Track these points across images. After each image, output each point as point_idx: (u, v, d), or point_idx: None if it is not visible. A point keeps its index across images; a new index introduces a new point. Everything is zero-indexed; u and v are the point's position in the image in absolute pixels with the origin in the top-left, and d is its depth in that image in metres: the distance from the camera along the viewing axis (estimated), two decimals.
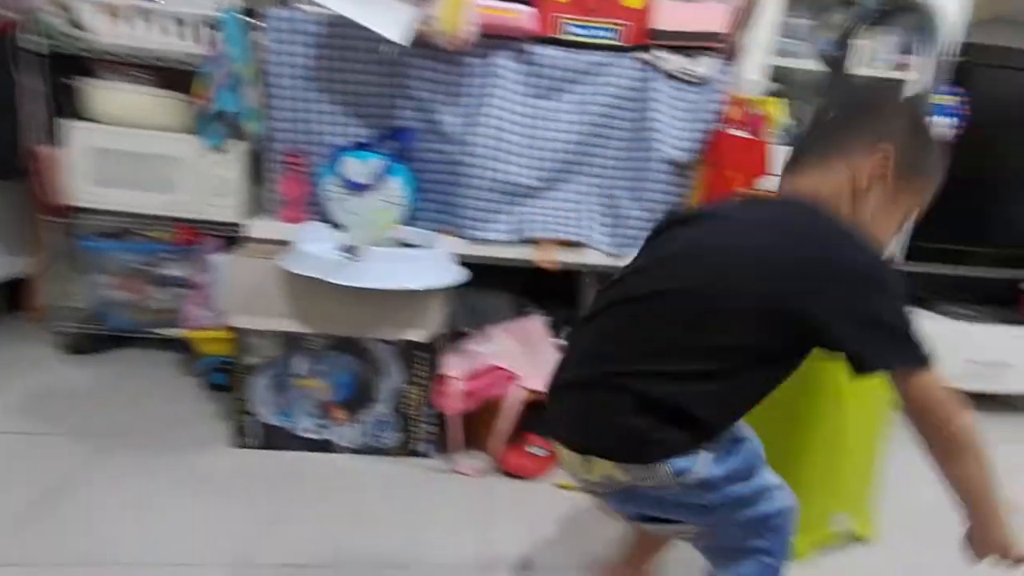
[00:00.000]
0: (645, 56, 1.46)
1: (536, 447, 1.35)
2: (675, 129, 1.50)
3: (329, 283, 1.20)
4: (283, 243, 1.36)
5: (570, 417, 0.78)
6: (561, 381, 0.81)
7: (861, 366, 0.67)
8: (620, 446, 0.72)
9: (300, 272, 1.24)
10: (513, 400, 1.32)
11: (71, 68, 1.59)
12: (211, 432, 1.38)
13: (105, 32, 1.51)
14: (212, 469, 1.26)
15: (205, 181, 1.56)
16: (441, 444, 1.38)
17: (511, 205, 1.51)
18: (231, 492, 1.19)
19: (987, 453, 0.69)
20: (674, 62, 1.46)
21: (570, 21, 1.45)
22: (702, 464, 0.71)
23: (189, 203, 1.58)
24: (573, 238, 1.51)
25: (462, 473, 1.33)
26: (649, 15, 1.45)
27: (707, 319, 0.70)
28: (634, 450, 0.71)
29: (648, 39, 1.46)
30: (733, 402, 0.74)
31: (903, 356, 0.67)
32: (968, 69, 1.64)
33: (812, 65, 1.50)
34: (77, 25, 1.50)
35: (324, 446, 1.37)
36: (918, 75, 1.58)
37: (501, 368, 1.34)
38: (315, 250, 1.28)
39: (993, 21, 1.76)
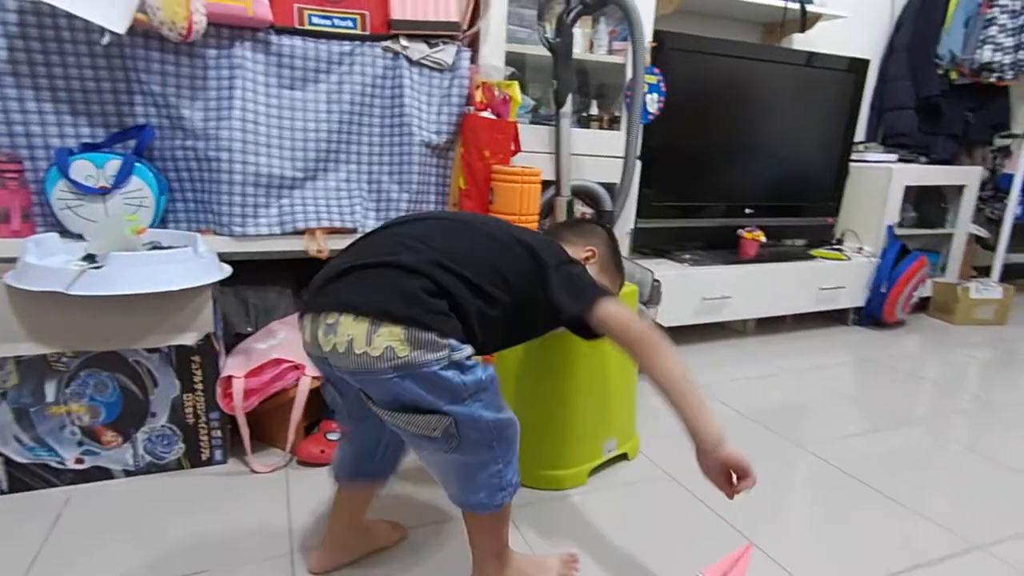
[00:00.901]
0: (390, 44, 1.55)
1: (333, 432, 1.40)
2: (427, 113, 1.61)
3: (70, 296, 1.11)
4: (9, 261, 1.21)
5: (360, 287, 0.82)
6: (344, 266, 0.85)
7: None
8: (412, 311, 0.78)
9: (32, 288, 1.12)
10: (302, 390, 1.35)
11: None
12: None
13: None
14: None
15: None
16: (233, 448, 1.36)
17: (273, 198, 1.51)
18: None
19: (675, 351, 0.87)
20: (417, 50, 1.57)
21: (312, 11, 1.47)
22: (474, 359, 0.83)
23: None
24: (341, 225, 1.56)
25: (258, 472, 1.33)
26: (388, 5, 1.53)
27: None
28: (424, 319, 0.78)
29: (388, 29, 1.54)
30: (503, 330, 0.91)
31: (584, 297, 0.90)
32: (664, 53, 2.00)
33: (542, 50, 1.71)
34: None
35: (96, 475, 1.27)
36: (626, 59, 1.88)
37: (285, 360, 1.36)
38: (48, 263, 1.16)
39: (675, 13, 2.16)
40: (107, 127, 1.41)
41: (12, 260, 1.20)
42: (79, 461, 1.26)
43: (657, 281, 1.79)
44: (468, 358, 0.81)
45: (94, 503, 1.21)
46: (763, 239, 2.35)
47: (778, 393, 1.88)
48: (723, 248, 2.38)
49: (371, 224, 1.61)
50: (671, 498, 1.31)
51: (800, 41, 2.55)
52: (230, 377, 1.32)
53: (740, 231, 2.36)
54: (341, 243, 1.55)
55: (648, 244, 2.25)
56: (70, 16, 1.26)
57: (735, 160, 2.35)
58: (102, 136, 1.41)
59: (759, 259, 2.34)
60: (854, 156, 2.64)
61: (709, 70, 2.20)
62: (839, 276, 2.47)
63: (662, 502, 1.30)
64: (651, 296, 1.79)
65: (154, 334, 1.24)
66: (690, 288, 2.12)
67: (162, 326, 1.24)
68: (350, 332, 0.79)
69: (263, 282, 1.60)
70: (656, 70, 1.92)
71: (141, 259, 1.18)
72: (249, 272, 1.51)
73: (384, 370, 0.78)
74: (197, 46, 1.39)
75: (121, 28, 1.24)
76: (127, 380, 1.26)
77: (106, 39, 1.25)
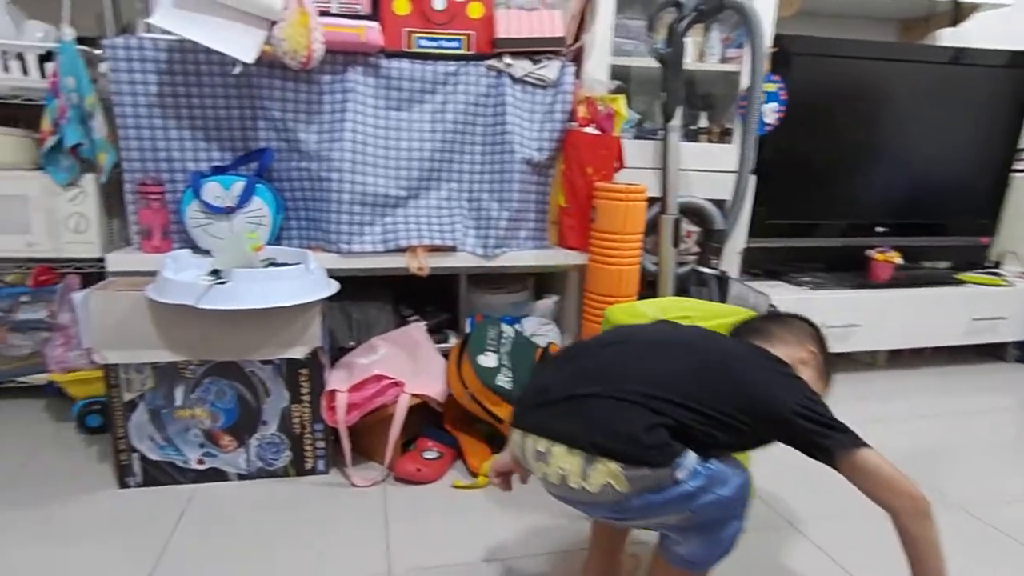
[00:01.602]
0: (494, 63, 1.54)
1: (430, 451, 1.41)
2: (529, 130, 1.59)
3: (199, 309, 1.20)
4: (149, 274, 1.34)
5: (574, 418, 0.80)
6: (556, 394, 0.83)
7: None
8: (630, 447, 0.75)
9: (167, 301, 1.22)
10: (401, 407, 1.37)
11: None
12: (91, 477, 1.34)
13: None
14: (94, 514, 1.23)
15: (59, 218, 1.50)
16: (334, 459, 1.41)
17: (378, 216, 1.55)
18: (114, 536, 1.17)
19: (938, 527, 0.77)
20: (521, 67, 1.55)
21: (420, 34, 1.51)
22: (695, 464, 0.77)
23: (44, 242, 1.52)
24: (442, 243, 1.57)
25: (357, 486, 1.36)
26: (492, 25, 1.53)
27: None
28: (643, 455, 0.75)
29: (493, 48, 1.54)
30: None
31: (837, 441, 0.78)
32: (786, 59, 1.84)
33: (649, 62, 1.63)
34: None
35: (214, 476, 1.36)
36: (743, 67, 1.75)
37: (386, 376, 1.38)
38: (181, 277, 1.27)
39: (797, 15, 1.98)
40: (234, 151, 1.53)
41: (149, 274, 1.33)
42: (200, 462, 1.36)
43: (773, 307, 1.64)
44: (695, 465, 0.77)
45: (211, 503, 1.29)
46: (898, 261, 2.09)
47: (917, 439, 1.65)
48: (848, 270, 2.15)
49: (470, 243, 1.61)
50: (791, 549, 1.18)
51: (948, 37, 2.26)
52: (334, 391, 1.36)
53: (870, 251, 2.12)
54: (441, 261, 1.58)
55: (761, 265, 2.08)
56: (208, 51, 1.37)
57: (865, 173, 2.12)
58: (229, 159, 1.52)
59: (894, 283, 2.08)
60: (1017, 166, 2.29)
61: (836, 74, 2.00)
62: (997, 305, 2.14)
63: (780, 553, 1.17)
64: None
65: (268, 346, 1.31)
66: (810, 314, 1.91)
67: (276, 339, 1.31)
68: (563, 465, 0.78)
69: (365, 297, 1.66)
70: (775, 77, 1.77)
71: (261, 276, 1.25)
72: (352, 287, 1.57)
73: (605, 504, 0.78)
74: (314, 72, 1.46)
75: (250, 58, 1.33)
76: (243, 389, 1.34)
77: (237, 69, 1.35)
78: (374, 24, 1.44)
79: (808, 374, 0.94)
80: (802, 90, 1.89)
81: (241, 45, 1.33)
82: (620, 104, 1.55)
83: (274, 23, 1.34)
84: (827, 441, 0.77)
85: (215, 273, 1.35)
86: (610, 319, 1.21)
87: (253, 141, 1.52)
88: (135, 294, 1.26)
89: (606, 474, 0.75)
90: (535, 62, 1.57)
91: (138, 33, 1.46)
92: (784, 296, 1.90)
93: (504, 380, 1.40)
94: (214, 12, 1.31)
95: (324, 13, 1.40)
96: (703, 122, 1.86)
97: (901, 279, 2.10)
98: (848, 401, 1.84)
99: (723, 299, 1.67)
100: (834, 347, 2.05)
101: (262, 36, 1.35)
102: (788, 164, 1.99)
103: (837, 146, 2.06)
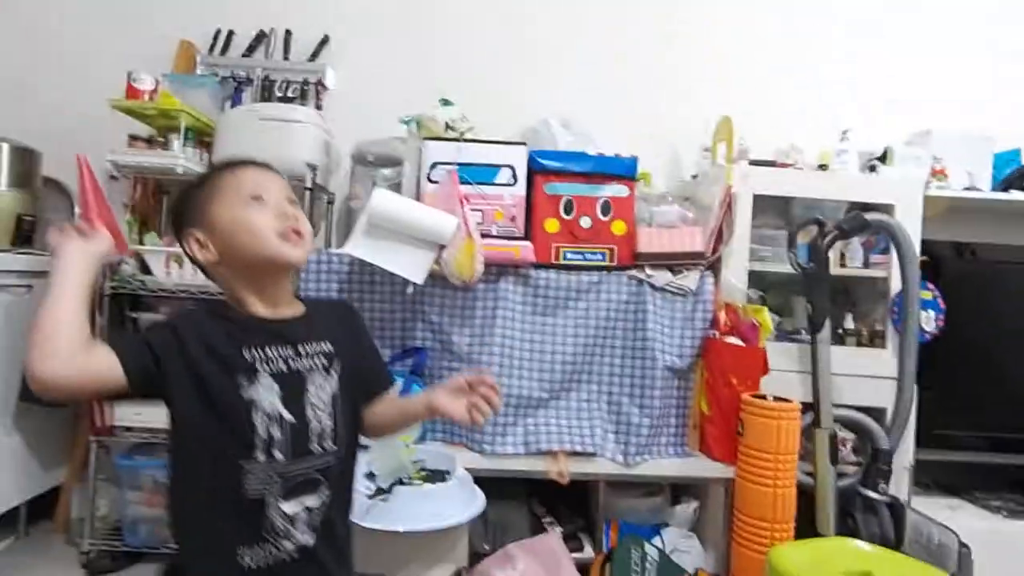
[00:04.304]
0: (635, 273, 1.62)
1: None
2: (670, 337, 1.61)
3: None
4: None
5: None
6: None
7: None
8: None
9: None
10: None
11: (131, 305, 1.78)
12: None
13: (161, 274, 1.71)
14: None
15: None
16: None
17: (521, 417, 1.58)
18: None
19: None
20: (661, 277, 1.62)
21: (567, 248, 1.63)
22: None
23: None
24: (582, 448, 1.56)
25: None
26: (634, 240, 1.63)
27: None
28: None
29: (634, 260, 1.63)
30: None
31: None
32: (936, 264, 1.77)
33: (785, 266, 1.64)
34: (146, 270, 1.71)
35: None
36: (890, 273, 1.71)
37: None
38: None
39: (944, 214, 1.92)
40: (392, 348, 1.66)
41: None
42: None
43: (966, 547, 1.42)
44: None
45: None
46: None
47: None
48: None
49: (610, 448, 1.58)
50: None
51: None
52: None
53: None
54: (581, 466, 1.55)
55: (929, 477, 1.85)
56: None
57: None
58: (388, 355, 1.66)
59: None
60: None
61: (996, 276, 1.88)
62: None
63: None
64: (960, 566, 1.42)
65: (417, 564, 1.31)
66: (1012, 550, 1.63)
67: (425, 557, 1.31)
68: None
69: (499, 495, 1.64)
70: (931, 285, 1.70)
71: (419, 495, 1.29)
72: (487, 483, 1.56)
73: None
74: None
75: (421, 280, 1.50)
76: None
77: (410, 289, 1.51)
78: (527, 244, 1.59)
79: None
80: (969, 292, 1.78)
81: (414, 267, 1.51)
82: (764, 316, 1.55)
83: (442, 246, 1.52)
84: None
85: (371, 476, 1.41)
86: (777, 569, 1.10)
87: (410, 340, 1.65)
88: None
89: None
90: (675, 272, 1.63)
91: (328, 249, 1.70)
92: (971, 522, 1.63)
93: None
94: (394, 239, 1.51)
95: (486, 235, 1.57)
96: (849, 323, 1.79)
97: None
98: None
99: (899, 532, 1.48)
100: None
101: (432, 258, 1.52)
102: (954, 373, 1.81)
103: (1008, 353, 1.87)
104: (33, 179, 1.82)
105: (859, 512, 1.50)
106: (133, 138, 1.74)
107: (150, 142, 1.75)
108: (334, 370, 0.82)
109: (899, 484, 1.64)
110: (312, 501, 0.78)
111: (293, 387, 0.77)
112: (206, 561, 0.76)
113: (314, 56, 2.00)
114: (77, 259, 0.72)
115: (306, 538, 0.77)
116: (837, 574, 1.08)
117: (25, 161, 1.80)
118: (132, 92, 1.73)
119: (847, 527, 1.54)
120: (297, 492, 0.76)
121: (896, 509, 1.48)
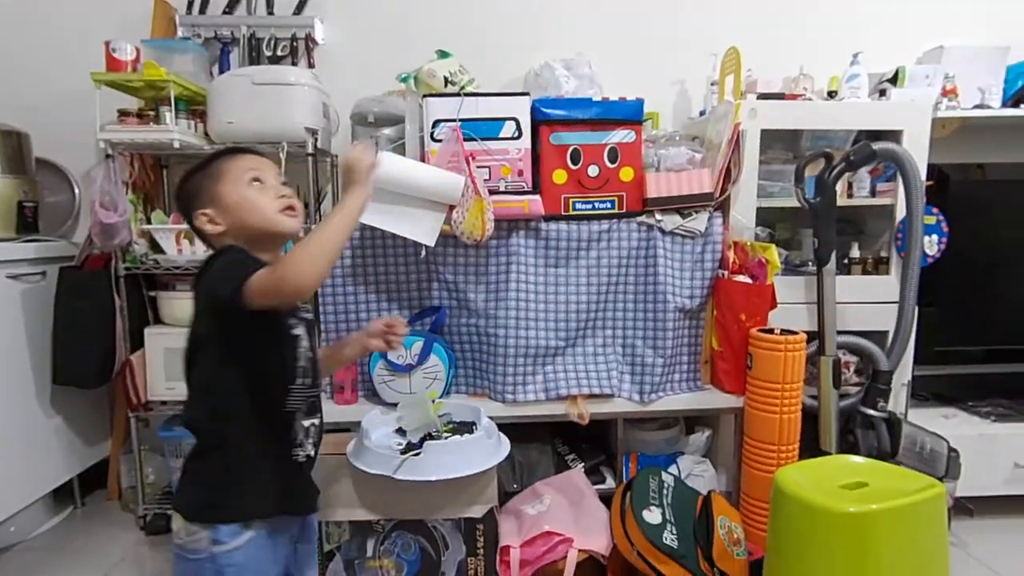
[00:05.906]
0: (645, 219, 1.63)
1: None
2: (681, 279, 1.65)
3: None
4: (343, 430, 1.51)
5: None
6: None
7: None
8: None
9: (367, 470, 1.36)
10: (570, 564, 1.41)
11: (147, 284, 1.79)
12: None
13: (173, 252, 1.72)
14: None
15: None
16: None
17: (539, 366, 1.65)
18: None
19: None
20: (671, 221, 1.63)
21: (576, 199, 1.63)
22: None
23: None
24: (600, 391, 1.64)
25: None
26: (643, 186, 1.63)
27: None
28: None
29: (644, 206, 1.63)
30: None
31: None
32: (941, 188, 1.79)
33: (793, 201, 1.65)
34: (158, 249, 1.71)
35: None
36: (896, 200, 1.72)
37: (555, 533, 1.44)
38: (378, 442, 1.41)
39: (954, 134, 1.91)
40: (410, 308, 1.70)
41: (344, 428, 1.48)
42: None
43: (954, 451, 1.53)
44: None
45: None
46: None
47: None
48: None
49: (626, 389, 1.66)
50: None
51: None
52: (507, 547, 1.43)
53: None
54: (599, 407, 1.64)
55: (928, 389, 1.95)
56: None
57: None
58: (407, 316, 1.70)
59: None
60: None
61: (1000, 196, 1.89)
62: None
63: None
64: (948, 469, 1.54)
65: (452, 506, 1.41)
66: (996, 452, 1.77)
67: (458, 500, 1.41)
68: None
69: (525, 438, 1.74)
70: (935, 209, 1.72)
71: (449, 448, 1.36)
72: (512, 428, 1.65)
73: None
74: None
75: (432, 242, 1.51)
76: (426, 543, 1.44)
77: (423, 253, 1.53)
78: (536, 197, 1.59)
79: None
80: (970, 213, 1.81)
81: (424, 230, 1.52)
82: (772, 254, 1.57)
83: (452, 207, 1.52)
84: None
85: (400, 432, 1.49)
86: (782, 488, 1.20)
87: (427, 300, 1.69)
88: (338, 458, 1.41)
89: None
90: (684, 215, 1.64)
91: None
92: (962, 430, 1.76)
93: (670, 538, 1.41)
94: (402, 202, 1.51)
95: (493, 192, 1.57)
96: (855, 252, 1.83)
97: None
98: None
99: (894, 444, 1.59)
100: None
101: (441, 219, 1.53)
102: (958, 288, 1.87)
103: (1009, 269, 1.92)
104: (26, 162, 1.79)
105: (859, 428, 1.60)
106: (123, 113, 1.69)
107: (140, 116, 1.70)
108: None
109: (897, 399, 1.74)
110: (316, 420, 1.03)
111: (308, 330, 1.02)
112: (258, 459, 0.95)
113: (299, 8, 1.90)
114: (365, 202, 0.91)
115: (309, 449, 1.02)
116: (834, 487, 1.17)
117: (14, 144, 1.76)
118: (113, 63, 1.66)
119: (848, 444, 1.66)
120: (310, 412, 1.01)
121: (893, 424, 1.58)
